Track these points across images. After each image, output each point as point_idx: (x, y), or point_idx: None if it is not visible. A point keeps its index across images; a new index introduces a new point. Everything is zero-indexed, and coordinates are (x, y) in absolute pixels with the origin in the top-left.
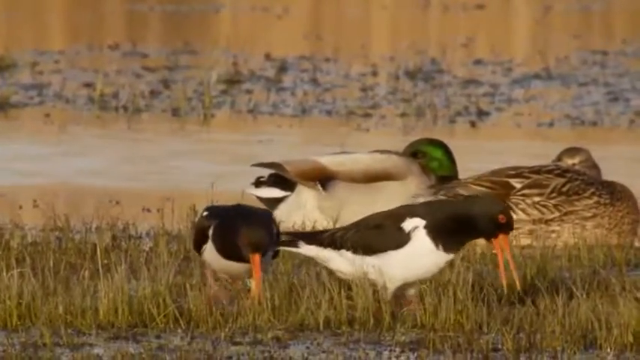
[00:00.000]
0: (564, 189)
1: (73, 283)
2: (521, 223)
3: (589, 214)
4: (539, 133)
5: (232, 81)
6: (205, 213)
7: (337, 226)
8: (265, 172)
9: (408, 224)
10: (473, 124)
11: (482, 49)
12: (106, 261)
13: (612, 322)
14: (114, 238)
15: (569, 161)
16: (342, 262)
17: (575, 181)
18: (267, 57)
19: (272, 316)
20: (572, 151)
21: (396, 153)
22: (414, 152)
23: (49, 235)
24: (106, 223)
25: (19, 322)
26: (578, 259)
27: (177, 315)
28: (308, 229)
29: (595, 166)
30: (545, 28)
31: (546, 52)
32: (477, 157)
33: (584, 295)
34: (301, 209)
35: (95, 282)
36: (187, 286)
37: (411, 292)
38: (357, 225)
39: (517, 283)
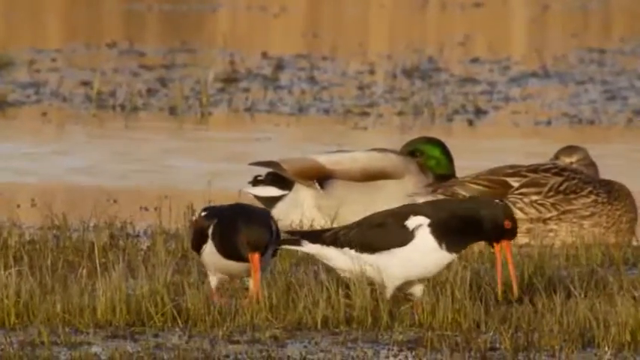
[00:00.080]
0: (562, 188)
1: (70, 282)
2: (519, 222)
3: (587, 213)
4: (536, 132)
5: (229, 79)
6: (204, 213)
7: (335, 224)
8: (263, 171)
9: (412, 222)
10: (470, 123)
11: (480, 48)
12: (103, 259)
13: (610, 321)
14: (111, 236)
15: (566, 160)
16: (344, 260)
17: (573, 180)
18: (265, 55)
19: (270, 315)
20: (569, 150)
21: (394, 151)
22: (411, 151)
23: (46, 233)
24: (103, 222)
25: (16, 321)
26: (575, 258)
27: (175, 313)
28: (306, 227)
29: (592, 165)
30: (543, 26)
31: (544, 51)
32: (474, 156)
33: (582, 294)
34: (299, 208)
35: (93, 280)
36: (185, 284)
37: (418, 293)
38: (360, 223)
39: (514, 290)
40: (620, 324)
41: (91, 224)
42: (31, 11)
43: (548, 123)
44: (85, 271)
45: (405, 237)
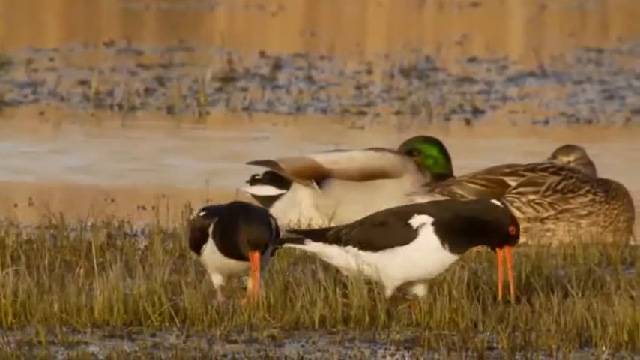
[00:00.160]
0: (559, 187)
1: (68, 281)
2: None
3: (584, 213)
4: (534, 131)
5: (227, 79)
6: (202, 213)
7: (333, 224)
8: (261, 170)
9: (416, 221)
10: (468, 122)
11: (477, 47)
12: (101, 259)
13: (607, 321)
14: (109, 236)
15: (564, 159)
16: (347, 258)
17: (570, 179)
18: (262, 54)
19: (267, 314)
20: (567, 149)
21: (392, 151)
22: (409, 150)
23: (44, 232)
24: (101, 221)
25: (14, 320)
26: (573, 258)
27: (173, 313)
28: (304, 227)
29: (590, 164)
30: (540, 26)
31: (541, 50)
32: (472, 155)
33: (580, 294)
34: (297, 207)
35: (90, 280)
36: (182, 284)
37: (421, 293)
38: (363, 222)
39: (512, 295)
40: (617, 323)
41: (89, 223)
42: (28, 11)
43: (546, 122)
44: (82, 270)
45: (408, 235)
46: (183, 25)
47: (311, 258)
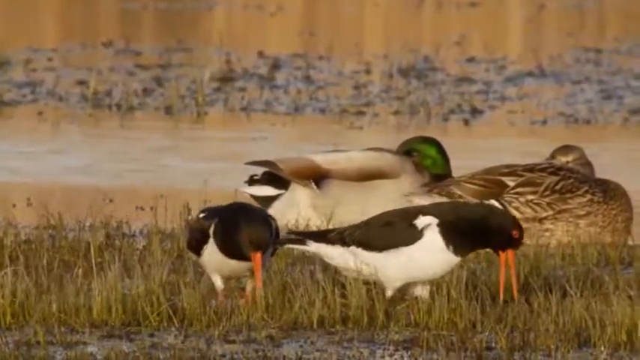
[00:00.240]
0: (558, 187)
1: (66, 282)
2: None
3: (582, 213)
4: (532, 131)
5: (225, 79)
6: (202, 214)
7: (331, 224)
8: (259, 171)
9: (421, 221)
10: (466, 122)
11: (476, 47)
12: (99, 259)
13: (606, 321)
14: (107, 236)
15: (562, 159)
16: (349, 259)
17: (569, 179)
18: (261, 55)
19: (266, 315)
20: (565, 149)
21: (390, 151)
22: (407, 150)
23: (42, 233)
24: (99, 222)
25: (12, 321)
26: (571, 258)
27: (171, 313)
28: (302, 227)
29: (588, 164)
30: (539, 26)
31: (540, 50)
32: (470, 155)
33: (578, 294)
34: (295, 207)
35: (89, 280)
36: (181, 284)
37: (424, 294)
38: (367, 222)
39: (515, 297)
40: (616, 323)
41: (87, 224)
42: (27, 11)
43: (544, 122)
44: (80, 270)
45: (413, 236)
46: (181, 25)
47: (309, 259)
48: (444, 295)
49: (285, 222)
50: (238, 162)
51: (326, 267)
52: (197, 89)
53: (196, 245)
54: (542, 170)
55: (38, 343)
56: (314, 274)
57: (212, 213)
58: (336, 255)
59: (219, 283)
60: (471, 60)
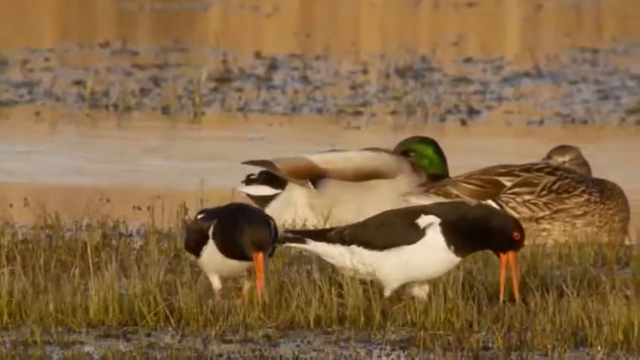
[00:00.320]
0: (555, 187)
1: (63, 281)
2: None
3: (579, 212)
4: (529, 132)
5: (222, 79)
6: (201, 215)
7: (328, 224)
8: (256, 170)
9: (423, 221)
10: (463, 122)
11: (473, 47)
12: (96, 259)
13: (603, 320)
14: (104, 236)
15: (559, 159)
16: (349, 257)
17: (566, 179)
18: (257, 55)
19: (263, 314)
20: (562, 149)
21: (387, 151)
22: (404, 150)
23: (39, 233)
24: (96, 221)
25: (9, 320)
26: (568, 257)
27: (168, 313)
28: (299, 227)
29: (585, 164)
30: (536, 26)
31: (537, 50)
32: (467, 155)
33: (575, 294)
34: (292, 207)
35: (86, 280)
36: (178, 284)
37: (423, 294)
38: (369, 221)
39: (516, 299)
40: (612, 323)
41: (84, 224)
42: (24, 11)
43: (541, 123)
44: (77, 270)
45: (415, 235)
46: (177, 25)
47: (306, 258)
48: (441, 295)
49: (282, 221)
50: (235, 162)
51: (323, 267)
52: (194, 89)
53: (195, 246)
54: (539, 170)
55: (35, 342)
56: (311, 274)
57: (211, 214)
58: (336, 254)
59: (216, 283)
60: (468, 60)
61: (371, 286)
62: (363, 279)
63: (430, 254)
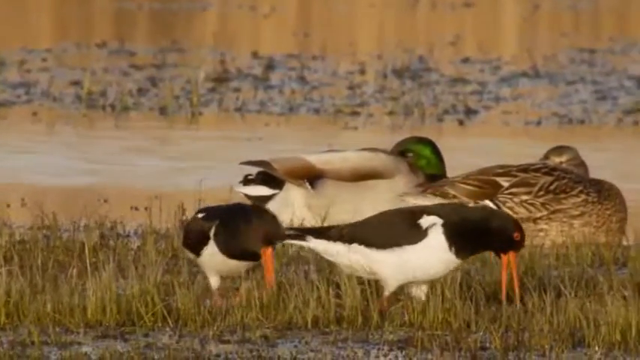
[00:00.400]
0: (552, 187)
1: (61, 282)
2: None
3: (577, 213)
4: (526, 132)
5: (220, 79)
6: (201, 215)
7: (326, 224)
8: (254, 170)
9: (426, 221)
10: (461, 123)
11: (470, 48)
12: (94, 259)
13: (600, 321)
14: (102, 236)
15: (556, 159)
16: (350, 255)
17: (563, 180)
18: (255, 55)
19: (260, 315)
20: (559, 150)
21: (384, 151)
22: (402, 151)
23: (37, 233)
24: (94, 222)
25: (7, 321)
26: (566, 258)
27: (166, 313)
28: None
29: (582, 165)
30: (533, 26)
31: (534, 51)
32: (464, 156)
33: (572, 294)
34: (289, 207)
35: (83, 280)
36: (175, 284)
37: (420, 294)
38: (371, 220)
39: (517, 299)
40: (610, 324)
41: (82, 224)
42: (21, 11)
43: (539, 123)
44: (75, 270)
45: (417, 235)
46: (175, 25)
47: (304, 259)
48: (439, 295)
49: None
50: (233, 162)
51: (320, 267)
52: (192, 89)
53: (195, 246)
54: (537, 170)
55: (32, 343)
56: (308, 274)
57: (212, 214)
58: (337, 252)
59: (215, 283)
60: (465, 60)
61: (369, 286)
62: (361, 279)
63: (432, 255)
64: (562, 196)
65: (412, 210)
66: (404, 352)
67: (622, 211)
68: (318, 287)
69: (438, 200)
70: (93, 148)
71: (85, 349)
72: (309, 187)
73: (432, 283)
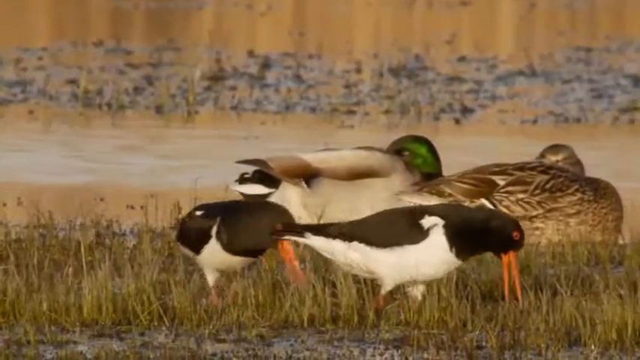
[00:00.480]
0: (548, 186)
1: (57, 281)
2: None
3: (573, 211)
4: (522, 130)
5: (216, 78)
6: (200, 212)
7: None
8: (250, 169)
9: (427, 221)
10: (457, 121)
11: (467, 46)
12: (90, 258)
13: (596, 320)
14: (98, 235)
15: (552, 158)
16: (349, 254)
17: (559, 178)
18: (251, 54)
19: (256, 314)
20: (555, 148)
21: (380, 150)
22: (398, 149)
23: (33, 232)
24: (89, 221)
25: (2, 320)
26: (562, 256)
27: (162, 312)
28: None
29: (578, 163)
30: (530, 24)
31: (530, 49)
32: (461, 154)
33: (568, 293)
34: (285, 206)
35: (79, 279)
36: (171, 283)
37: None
38: (370, 218)
39: (519, 300)
40: (606, 322)
41: (78, 223)
42: (17, 9)
43: (535, 121)
44: (71, 269)
45: (419, 235)
46: (171, 24)
47: (300, 257)
48: (435, 294)
49: None
50: (229, 161)
51: (316, 266)
52: (188, 88)
53: (196, 244)
54: (533, 169)
55: (28, 342)
56: (304, 273)
57: (211, 212)
58: (335, 249)
59: (212, 280)
60: (461, 59)
61: (365, 285)
62: (357, 278)
63: (433, 255)
64: (558, 194)
65: (413, 210)
66: (400, 351)
67: (618, 209)
68: (314, 286)
69: (434, 199)
70: (89, 146)
71: (80, 348)
72: (305, 185)
73: (428, 283)
